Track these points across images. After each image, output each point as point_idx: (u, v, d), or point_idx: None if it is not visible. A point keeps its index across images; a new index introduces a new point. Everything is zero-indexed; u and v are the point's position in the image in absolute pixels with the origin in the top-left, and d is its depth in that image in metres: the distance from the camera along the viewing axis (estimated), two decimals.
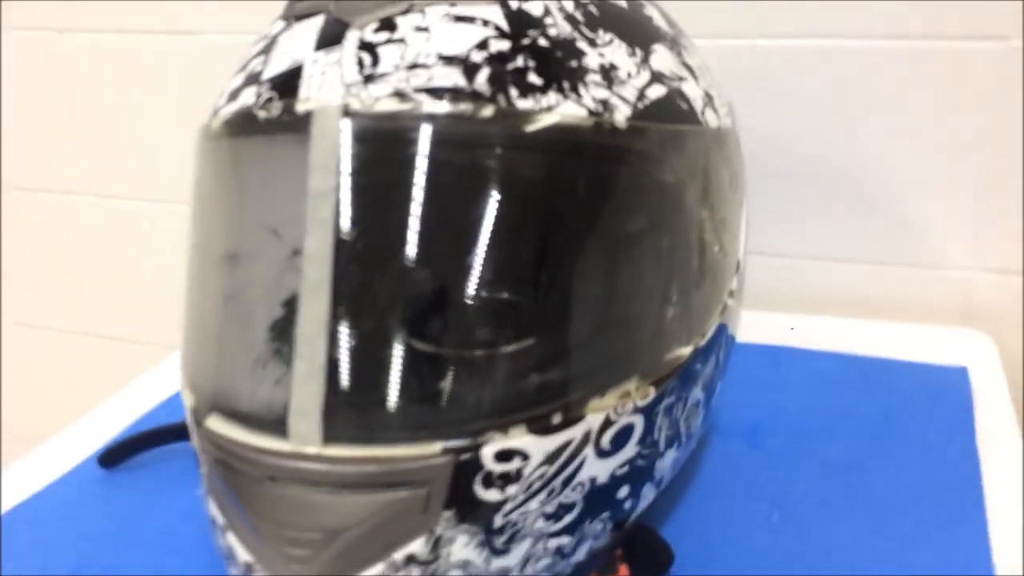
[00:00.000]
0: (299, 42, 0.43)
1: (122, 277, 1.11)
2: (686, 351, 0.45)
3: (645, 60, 0.45)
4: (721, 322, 0.49)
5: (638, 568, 0.49)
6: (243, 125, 0.43)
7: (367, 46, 0.42)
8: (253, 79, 0.44)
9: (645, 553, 0.49)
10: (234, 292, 0.44)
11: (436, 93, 0.40)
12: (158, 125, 1.00)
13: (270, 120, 0.42)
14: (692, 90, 0.47)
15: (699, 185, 0.46)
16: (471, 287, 0.40)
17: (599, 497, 0.44)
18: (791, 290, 0.83)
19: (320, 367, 0.39)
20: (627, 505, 0.46)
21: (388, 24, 0.42)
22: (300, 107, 0.41)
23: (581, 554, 0.45)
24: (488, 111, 0.40)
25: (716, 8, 0.77)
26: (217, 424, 0.43)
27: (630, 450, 0.44)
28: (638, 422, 0.43)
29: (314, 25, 0.44)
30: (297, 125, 0.41)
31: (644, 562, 0.49)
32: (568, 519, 0.43)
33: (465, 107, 0.40)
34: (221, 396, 0.43)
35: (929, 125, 0.76)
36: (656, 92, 0.45)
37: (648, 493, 0.48)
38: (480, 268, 0.40)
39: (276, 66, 0.43)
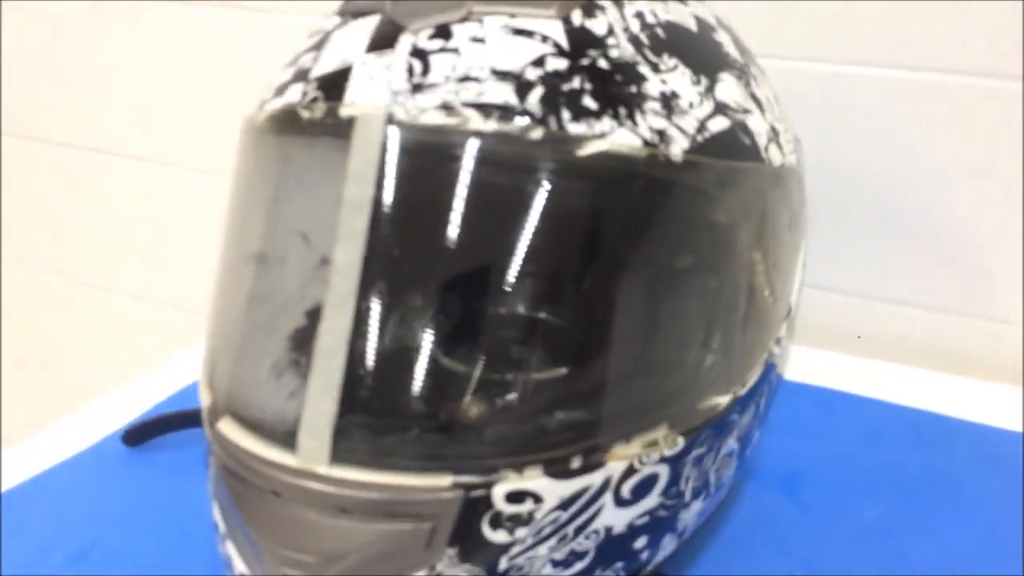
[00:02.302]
0: (351, 42, 0.42)
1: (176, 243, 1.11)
2: (723, 400, 0.43)
3: (710, 89, 0.42)
4: (764, 371, 0.46)
5: None
6: (286, 123, 0.42)
7: (419, 53, 0.40)
8: (301, 76, 0.43)
9: None
10: (260, 294, 0.42)
11: (485, 110, 0.38)
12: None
13: (313, 121, 0.40)
14: (757, 124, 0.45)
15: (754, 226, 0.43)
16: (502, 313, 0.38)
17: (614, 547, 0.42)
18: (841, 328, 0.80)
19: (336, 384, 0.37)
20: (644, 556, 0.44)
21: (443, 32, 0.40)
22: (344, 111, 0.39)
23: None
24: (537, 133, 0.38)
25: (795, 29, 0.74)
26: (229, 428, 0.41)
27: (652, 500, 0.42)
28: (663, 472, 0.41)
29: (368, 25, 0.42)
30: (340, 129, 0.39)
31: None
32: (578, 567, 0.41)
33: (513, 127, 0.38)
34: (236, 399, 0.42)
35: (998, 166, 0.72)
36: (718, 125, 0.42)
37: (668, 544, 0.45)
38: (513, 294, 0.38)
39: (325, 65, 0.42)
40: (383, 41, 0.41)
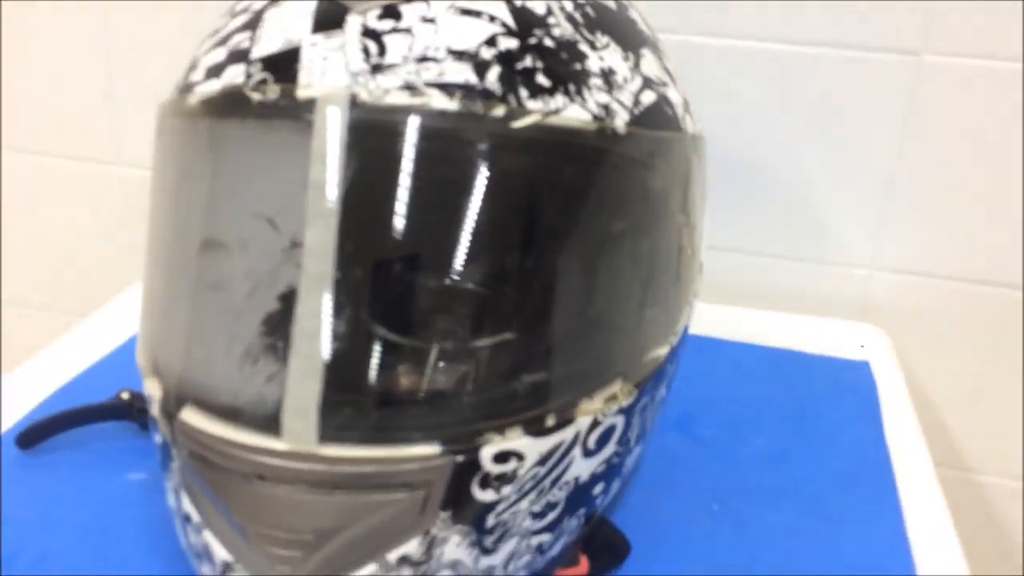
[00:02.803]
0: (292, 21, 0.41)
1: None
2: (663, 352, 0.47)
3: (637, 65, 0.46)
4: (686, 322, 0.51)
5: (597, 559, 0.50)
6: (230, 106, 0.41)
7: (371, 33, 0.40)
8: (239, 56, 0.42)
9: (603, 545, 0.50)
10: (218, 282, 0.42)
11: (447, 89, 0.39)
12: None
13: (265, 104, 0.40)
14: (674, 96, 0.48)
15: (680, 191, 0.47)
16: (476, 285, 0.40)
17: (579, 495, 0.45)
18: (711, 280, 0.86)
19: (318, 365, 0.38)
20: (598, 501, 0.47)
21: (392, 12, 0.41)
22: (301, 93, 0.39)
23: (556, 550, 0.46)
24: (500, 111, 0.39)
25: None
26: (194, 417, 0.41)
27: (610, 449, 0.45)
28: (619, 422, 0.45)
29: (307, 5, 0.42)
30: (296, 111, 0.39)
31: (602, 553, 0.50)
32: (551, 517, 0.44)
33: (477, 106, 0.39)
34: (200, 388, 0.41)
35: (839, 131, 0.80)
36: (647, 98, 0.45)
37: (614, 488, 0.49)
38: (482, 266, 0.40)
39: (267, 45, 0.41)
40: (329, 21, 0.41)
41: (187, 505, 0.42)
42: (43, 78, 0.95)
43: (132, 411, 0.60)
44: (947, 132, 0.78)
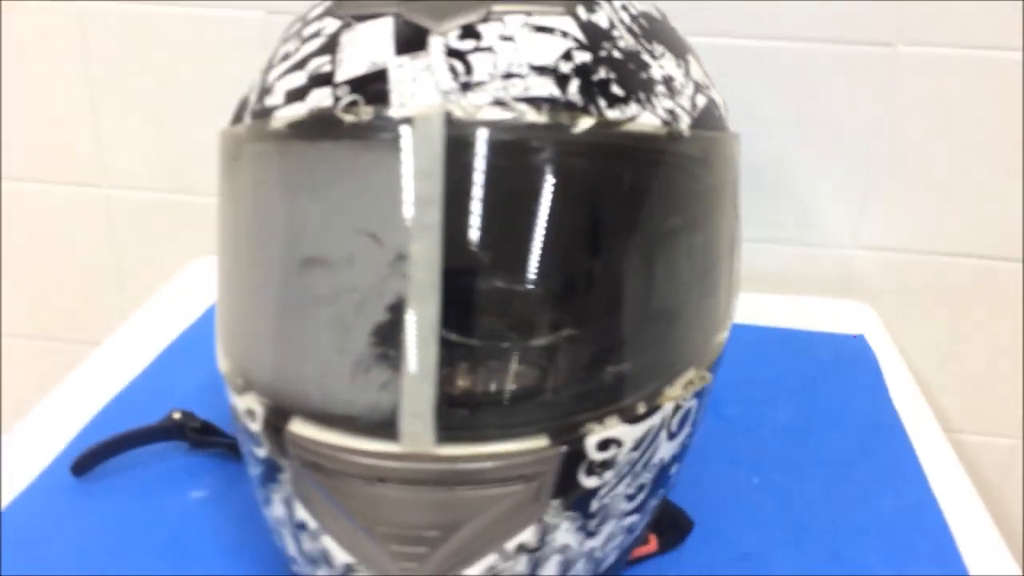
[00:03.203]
0: (373, 45, 0.43)
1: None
2: (724, 336, 0.50)
3: (687, 71, 0.49)
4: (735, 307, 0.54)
5: (663, 537, 0.54)
6: (320, 128, 0.43)
7: (455, 53, 0.42)
8: (322, 80, 0.43)
9: (668, 523, 0.54)
10: (323, 297, 0.43)
11: (535, 103, 0.42)
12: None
13: (358, 124, 0.42)
14: (716, 97, 0.51)
15: (731, 186, 0.50)
16: (570, 286, 0.42)
17: (661, 476, 0.48)
18: None
19: (431, 370, 0.40)
20: (671, 481, 0.50)
21: (471, 32, 0.43)
22: (396, 113, 0.41)
23: (639, 530, 0.49)
24: (585, 122, 0.42)
25: None
26: (305, 428, 0.42)
27: (686, 430, 0.48)
28: (694, 405, 0.48)
29: (384, 28, 0.44)
30: (392, 131, 0.41)
31: (668, 531, 0.54)
32: (640, 498, 0.47)
33: (563, 117, 0.42)
34: (309, 400, 0.43)
35: (820, 122, 0.85)
36: (700, 101, 0.48)
37: (680, 469, 0.52)
38: (576, 267, 0.43)
39: (351, 69, 0.43)
40: (411, 43, 0.43)
41: (301, 513, 0.44)
42: (24, 100, 0.94)
43: (185, 430, 0.60)
44: (921, 119, 0.83)
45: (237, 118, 0.49)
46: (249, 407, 0.45)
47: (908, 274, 0.89)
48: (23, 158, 0.96)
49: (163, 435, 0.61)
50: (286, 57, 0.47)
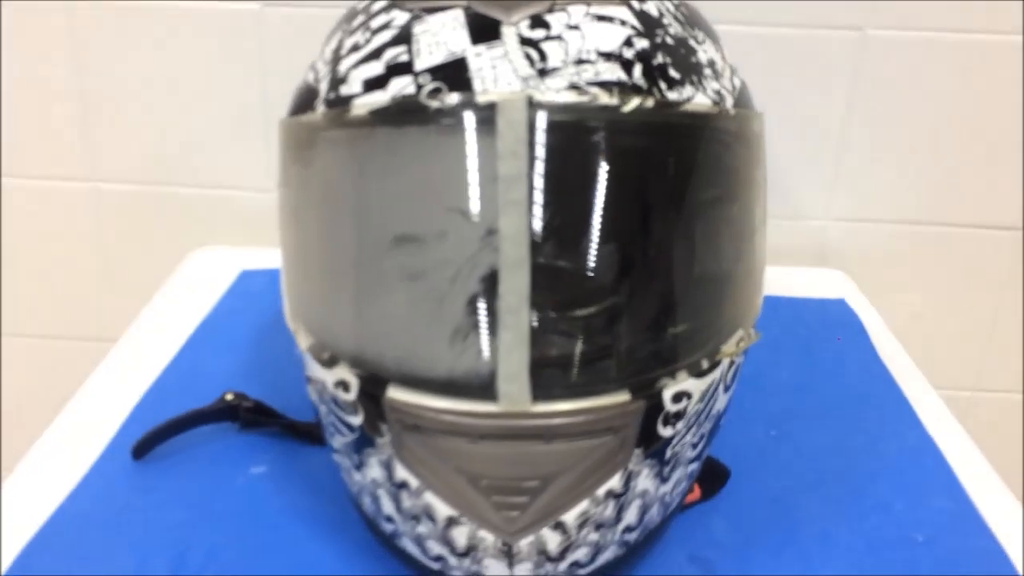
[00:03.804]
0: (449, 35, 0.46)
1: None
2: (760, 299, 0.55)
3: (724, 55, 0.53)
4: None
5: (705, 486, 0.58)
6: (404, 114, 0.46)
7: (529, 42, 0.46)
8: (401, 69, 0.46)
9: (708, 473, 0.58)
10: (418, 271, 0.46)
11: (606, 86, 0.45)
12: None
13: (443, 110, 0.45)
14: (743, 79, 0.56)
15: (762, 160, 0.55)
16: (644, 253, 0.47)
17: (716, 425, 0.52)
18: None
19: (524, 335, 0.43)
20: (718, 431, 0.55)
21: (540, 22, 0.46)
22: (481, 98, 0.44)
23: (694, 478, 0.54)
24: (650, 102, 0.46)
25: None
26: (403, 394, 0.46)
27: (736, 384, 0.53)
28: (742, 361, 0.52)
29: (456, 19, 0.47)
30: (479, 115, 0.44)
31: (708, 481, 0.59)
32: (700, 446, 0.51)
33: (631, 99, 0.46)
34: (406, 368, 0.46)
35: (793, 102, 0.91)
36: (738, 82, 0.53)
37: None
38: (650, 235, 0.47)
39: (429, 58, 0.46)
40: (485, 33, 0.46)
41: (402, 473, 0.47)
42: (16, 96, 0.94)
43: (238, 411, 0.63)
44: (887, 100, 0.89)
45: (303, 108, 0.52)
46: (341, 378, 0.48)
47: (877, 243, 0.95)
48: (16, 154, 0.96)
49: (216, 416, 0.63)
50: (356, 48, 0.49)
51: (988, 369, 1.00)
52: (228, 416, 0.63)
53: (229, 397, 0.63)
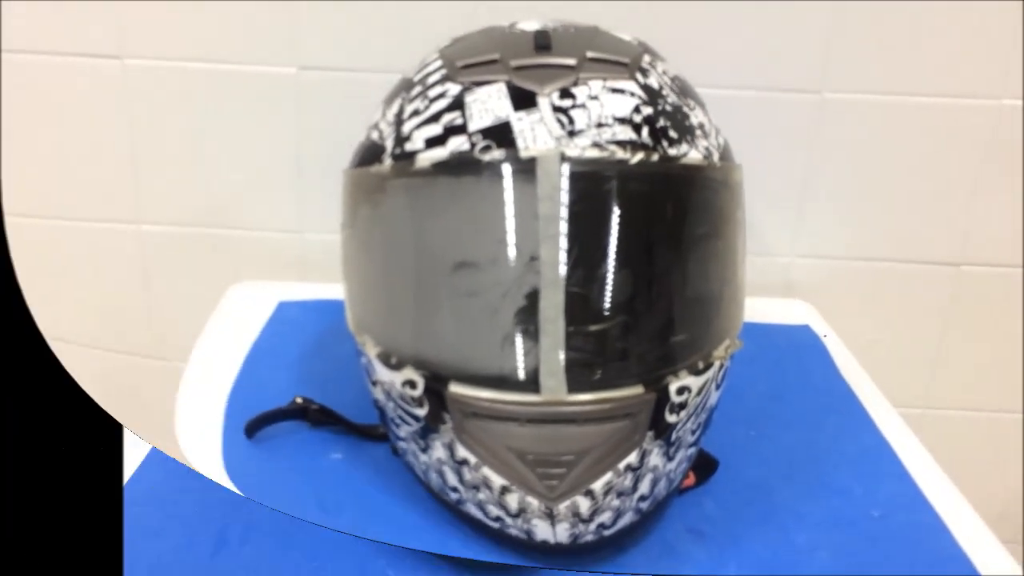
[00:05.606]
0: (495, 103, 0.59)
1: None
2: (743, 315, 0.67)
3: (710, 119, 0.66)
4: None
5: (698, 473, 0.70)
6: (461, 166, 0.58)
7: (559, 109, 0.58)
8: (457, 130, 0.58)
9: (700, 463, 0.70)
10: (474, 290, 0.58)
11: (621, 145, 0.58)
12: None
13: (493, 163, 0.57)
14: (726, 137, 0.69)
15: (742, 204, 0.68)
16: (655, 280, 0.59)
17: (709, 418, 0.64)
18: None
19: (560, 341, 0.56)
20: (710, 425, 0.67)
21: (567, 93, 0.59)
22: (524, 154, 0.57)
23: (691, 462, 0.65)
24: (655, 157, 0.58)
25: None
26: (463, 389, 0.57)
27: (724, 383, 0.65)
28: (729, 365, 0.65)
29: (500, 91, 0.59)
30: (522, 166, 0.56)
31: (700, 469, 0.70)
32: (697, 434, 0.63)
33: (642, 155, 0.58)
34: (464, 368, 0.58)
35: (759, 155, 1.03)
36: (722, 140, 0.66)
37: None
38: (656, 264, 0.59)
39: (480, 122, 0.58)
40: (525, 102, 0.58)
41: (462, 452, 0.58)
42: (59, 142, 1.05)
43: (307, 412, 0.74)
44: (843, 153, 1.03)
45: (369, 160, 0.63)
46: (408, 378, 0.59)
47: (836, 276, 1.08)
48: (69, 198, 1.07)
49: (294, 415, 0.75)
50: (416, 112, 0.61)
51: (936, 387, 1.13)
52: (299, 416, 0.75)
53: (299, 400, 0.74)
